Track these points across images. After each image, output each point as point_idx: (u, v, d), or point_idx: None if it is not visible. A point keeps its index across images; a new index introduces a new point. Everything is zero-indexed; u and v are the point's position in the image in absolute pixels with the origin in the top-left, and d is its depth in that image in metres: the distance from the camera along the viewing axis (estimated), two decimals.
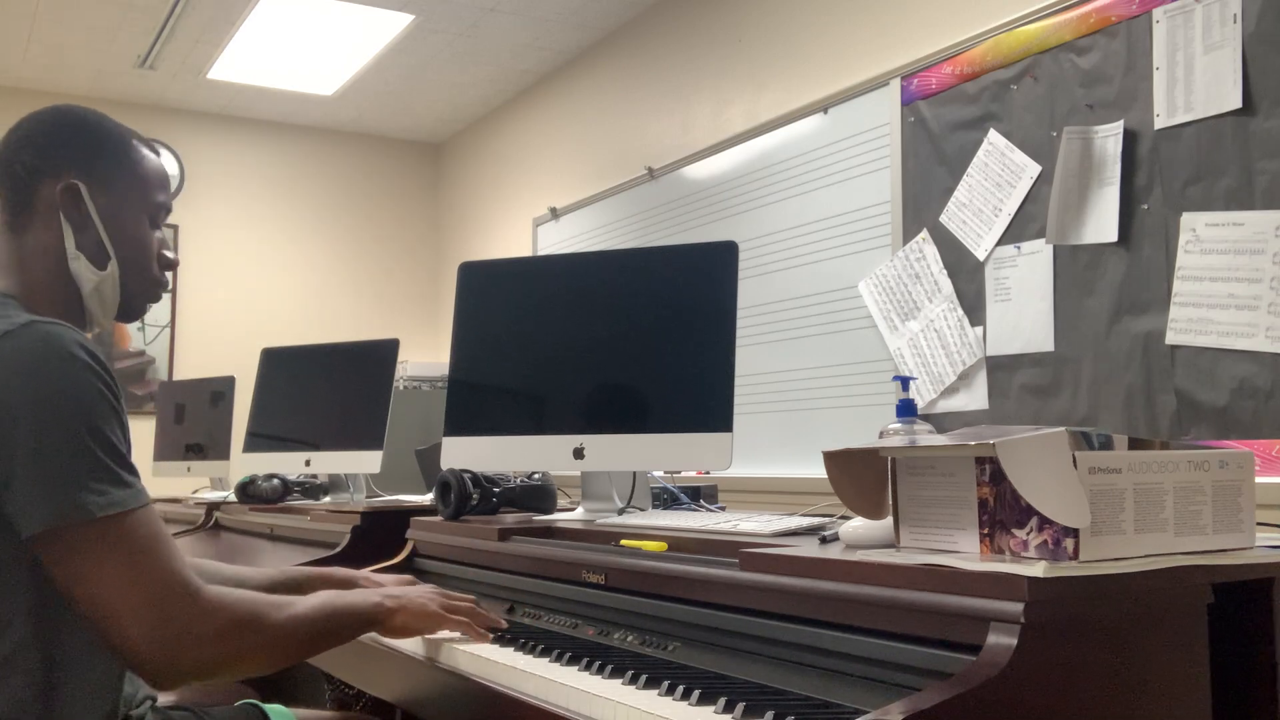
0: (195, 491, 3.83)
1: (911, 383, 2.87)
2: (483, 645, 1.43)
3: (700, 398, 1.78)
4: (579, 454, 1.86)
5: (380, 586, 1.53)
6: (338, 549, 2.23)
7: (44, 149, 1.30)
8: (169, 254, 1.40)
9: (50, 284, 1.29)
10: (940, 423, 3.05)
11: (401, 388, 4.83)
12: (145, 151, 1.37)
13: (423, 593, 1.45)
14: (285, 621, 1.22)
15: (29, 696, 1.13)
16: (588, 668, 1.25)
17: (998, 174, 2.98)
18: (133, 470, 1.16)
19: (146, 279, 1.37)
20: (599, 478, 1.92)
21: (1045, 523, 0.99)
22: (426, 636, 1.46)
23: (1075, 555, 0.97)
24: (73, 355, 1.14)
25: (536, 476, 2.02)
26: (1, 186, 1.31)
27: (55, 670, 1.15)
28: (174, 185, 1.45)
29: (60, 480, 1.10)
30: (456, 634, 1.45)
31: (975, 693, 0.87)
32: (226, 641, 1.15)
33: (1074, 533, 0.97)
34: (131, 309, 1.37)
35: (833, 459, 1.17)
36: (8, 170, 1.30)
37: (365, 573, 1.66)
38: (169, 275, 1.41)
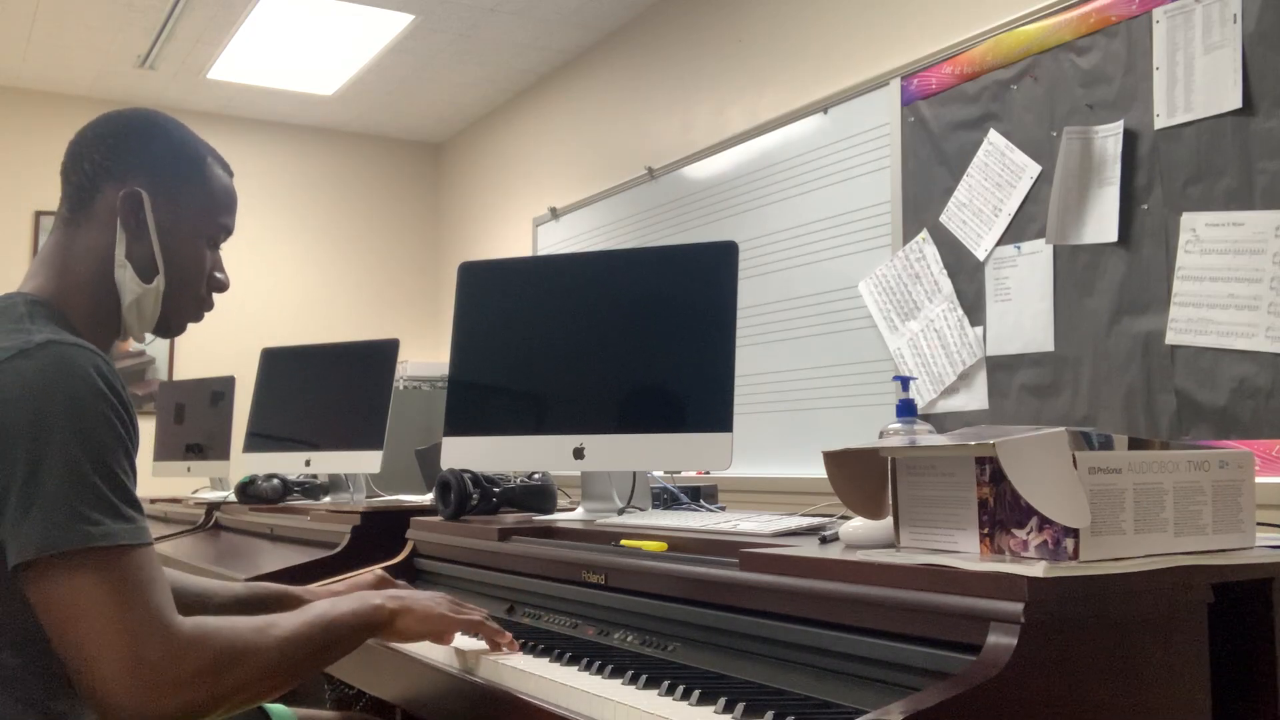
0: (195, 491, 3.83)
1: (911, 383, 2.87)
2: (483, 645, 1.43)
3: (700, 398, 1.78)
4: (579, 454, 1.86)
5: (367, 591, 1.45)
6: (338, 549, 2.23)
7: (115, 151, 1.27)
8: (220, 275, 1.37)
9: (89, 288, 1.26)
10: (940, 423, 3.05)
11: (401, 388, 4.83)
12: (218, 171, 1.34)
13: (430, 595, 1.39)
14: (271, 645, 1.13)
15: None
16: (588, 668, 1.25)
17: (998, 174, 2.98)
18: (135, 505, 1.10)
19: (191, 298, 1.34)
20: (599, 478, 1.91)
21: (1045, 523, 0.99)
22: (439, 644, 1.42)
23: (1075, 555, 0.97)
24: (85, 380, 1.09)
25: (536, 476, 2.02)
26: (66, 181, 1.29)
27: (50, 697, 1.11)
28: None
29: (55, 507, 1.04)
30: (481, 644, 1.42)
31: (975, 693, 0.87)
32: (207, 681, 1.06)
33: (1074, 533, 0.97)
34: (171, 325, 1.34)
35: (833, 459, 1.17)
36: (76, 166, 1.28)
37: (345, 582, 1.62)
38: (214, 297, 1.38)
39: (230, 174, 1.38)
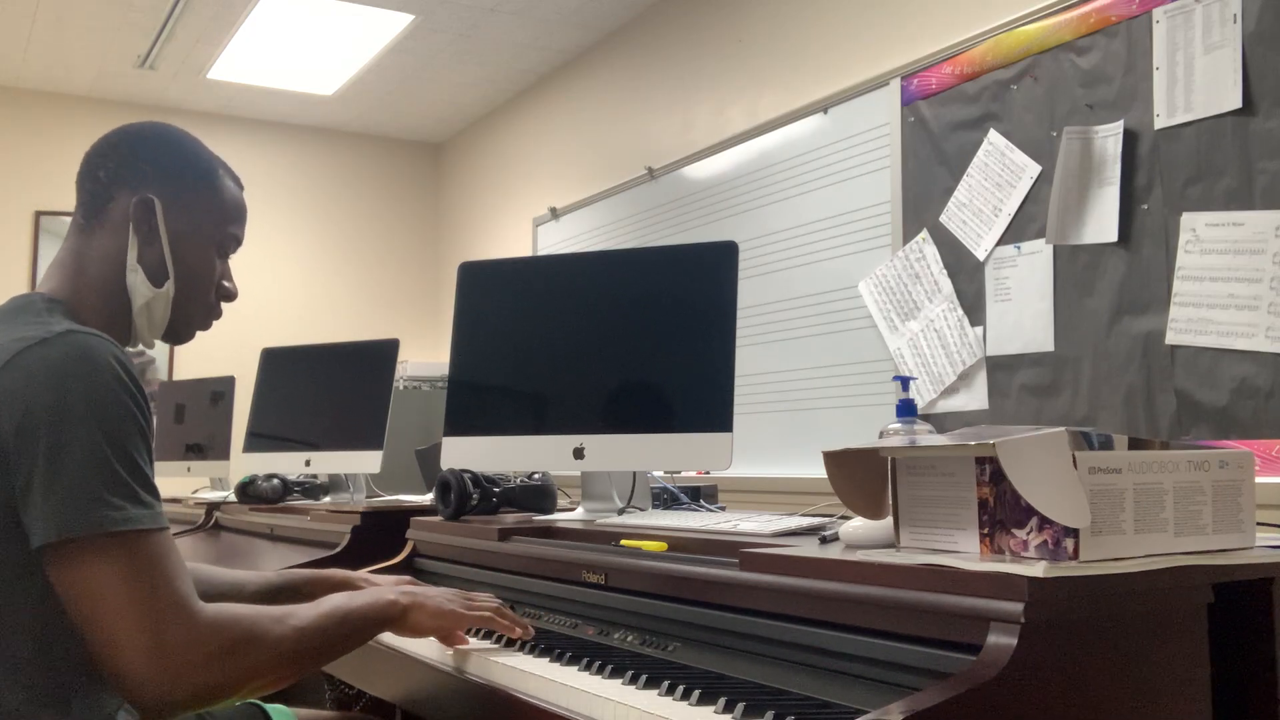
0: (195, 491, 3.83)
1: (911, 383, 2.87)
2: (483, 645, 1.43)
3: (700, 398, 1.78)
4: (579, 454, 1.86)
5: (381, 586, 1.50)
6: (338, 549, 2.23)
7: (129, 159, 1.32)
8: (229, 285, 1.41)
9: (102, 291, 1.30)
10: (940, 423, 3.05)
11: (401, 388, 4.83)
12: (229, 183, 1.39)
13: (441, 591, 1.42)
14: (288, 634, 1.16)
15: (32, 711, 1.11)
16: (588, 668, 1.25)
17: (998, 174, 2.98)
18: (154, 492, 1.13)
19: (200, 305, 1.38)
20: (599, 478, 1.91)
21: (1045, 523, 0.99)
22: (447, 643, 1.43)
23: (1075, 555, 0.97)
24: (105, 368, 1.13)
25: (536, 476, 2.02)
26: (81, 189, 1.33)
27: (60, 686, 1.13)
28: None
29: (77, 491, 1.07)
30: (485, 644, 1.43)
31: (975, 693, 0.87)
32: (225, 664, 1.10)
33: (1074, 533, 0.97)
34: (180, 331, 1.38)
35: (833, 459, 1.17)
36: (90, 174, 1.32)
37: (363, 573, 1.65)
38: (223, 305, 1.42)
39: (240, 187, 1.42)
